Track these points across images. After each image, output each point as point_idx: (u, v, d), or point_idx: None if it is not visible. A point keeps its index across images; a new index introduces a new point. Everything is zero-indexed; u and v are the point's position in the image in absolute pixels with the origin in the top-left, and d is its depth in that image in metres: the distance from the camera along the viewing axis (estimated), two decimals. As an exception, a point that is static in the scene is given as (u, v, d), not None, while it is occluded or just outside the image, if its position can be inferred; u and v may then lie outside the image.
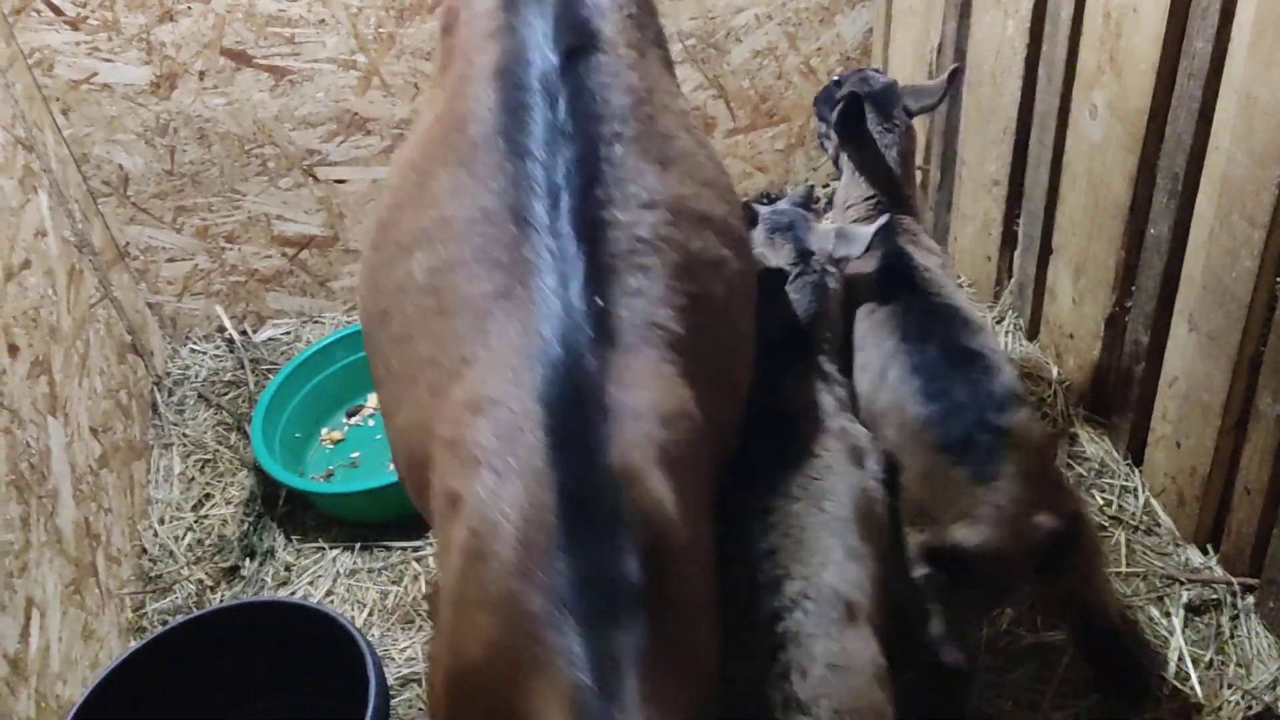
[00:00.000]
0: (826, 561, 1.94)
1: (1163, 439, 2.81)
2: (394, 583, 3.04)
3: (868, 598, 1.94)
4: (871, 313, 2.48)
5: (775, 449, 2.12)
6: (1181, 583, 2.68)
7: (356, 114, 3.62)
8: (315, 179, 3.70)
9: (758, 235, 2.53)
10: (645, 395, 1.61)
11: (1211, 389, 2.56)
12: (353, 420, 3.60)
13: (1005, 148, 3.23)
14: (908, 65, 3.69)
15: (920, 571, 2.19)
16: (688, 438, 1.64)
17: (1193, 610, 2.64)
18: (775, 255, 2.49)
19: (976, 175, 3.43)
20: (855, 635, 1.87)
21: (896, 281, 2.52)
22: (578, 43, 1.90)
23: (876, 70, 2.93)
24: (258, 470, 3.31)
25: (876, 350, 2.42)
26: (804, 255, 2.47)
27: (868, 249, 2.49)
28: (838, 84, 2.90)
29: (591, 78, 1.87)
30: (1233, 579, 2.65)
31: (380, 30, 3.49)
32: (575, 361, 1.57)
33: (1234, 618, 2.60)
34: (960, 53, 3.36)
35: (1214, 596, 2.65)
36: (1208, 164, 2.48)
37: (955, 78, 2.67)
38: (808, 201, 2.65)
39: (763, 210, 2.60)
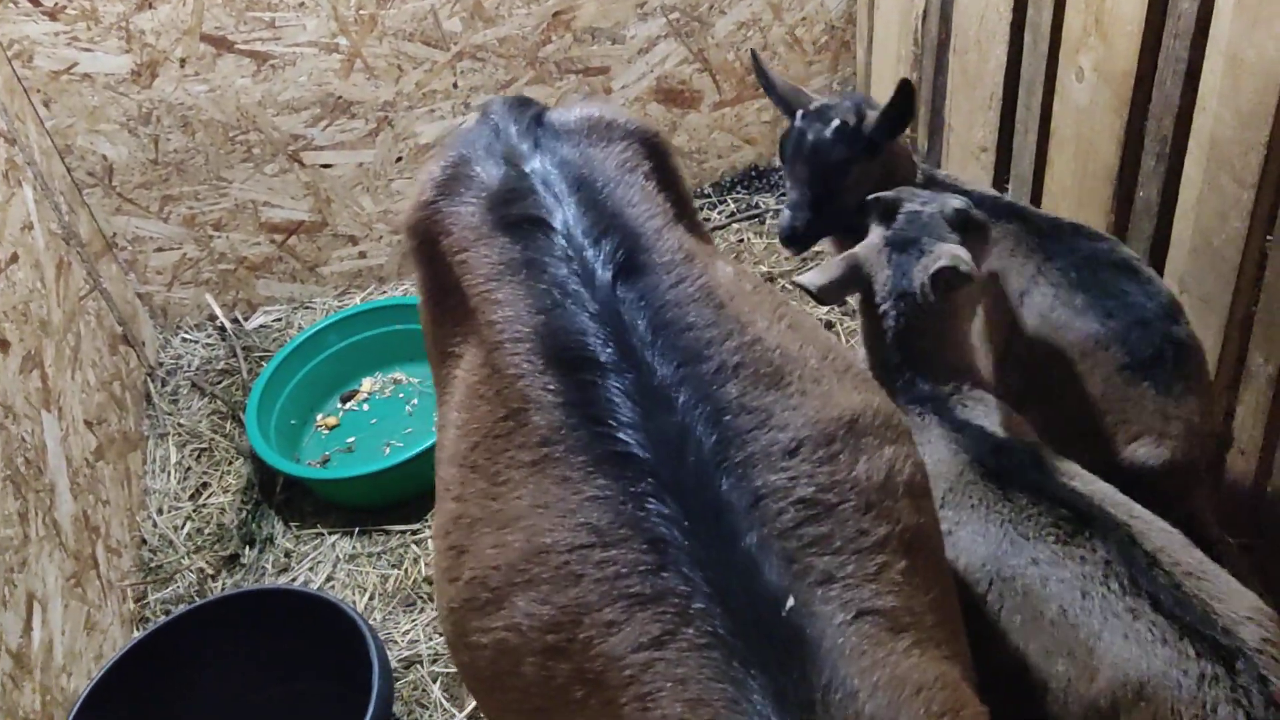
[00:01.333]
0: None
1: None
2: (394, 566, 3.06)
3: None
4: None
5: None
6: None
7: (340, 97, 3.59)
8: (301, 164, 3.68)
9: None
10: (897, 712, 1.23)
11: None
12: (347, 405, 3.60)
13: (992, 114, 3.22)
14: (892, 33, 3.67)
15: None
16: (951, 707, 1.30)
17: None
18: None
19: (964, 142, 3.42)
20: None
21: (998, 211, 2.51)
22: (625, 250, 1.52)
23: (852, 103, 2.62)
24: (254, 458, 3.31)
25: (1016, 276, 2.36)
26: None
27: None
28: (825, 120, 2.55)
29: (657, 298, 1.48)
30: (1230, 539, 2.67)
31: (361, 12, 3.46)
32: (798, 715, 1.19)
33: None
34: (945, 19, 3.34)
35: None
36: (1195, 126, 2.48)
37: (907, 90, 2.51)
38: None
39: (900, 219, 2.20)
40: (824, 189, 2.54)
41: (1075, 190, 2.93)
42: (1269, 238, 2.42)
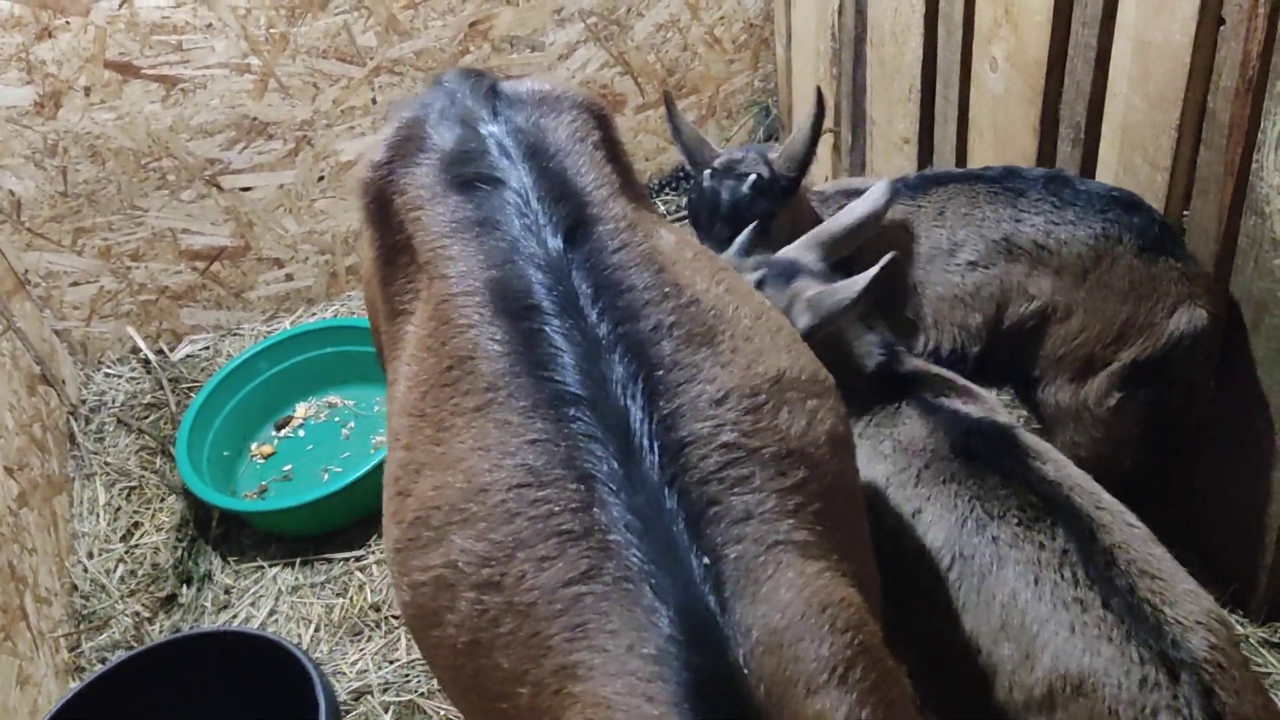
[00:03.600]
0: None
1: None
2: (339, 595, 3.00)
3: None
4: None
5: None
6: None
7: (256, 119, 3.51)
8: (219, 188, 3.59)
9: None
10: (805, 648, 1.30)
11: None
12: (282, 432, 3.52)
13: (912, 105, 3.25)
14: (810, 29, 3.69)
15: (1116, 396, 2.35)
16: (860, 638, 1.37)
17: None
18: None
19: (887, 134, 3.45)
20: None
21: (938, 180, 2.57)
22: (573, 216, 1.60)
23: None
24: (187, 493, 3.22)
25: (990, 228, 2.44)
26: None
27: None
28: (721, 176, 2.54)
29: (604, 259, 1.56)
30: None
31: (272, 31, 3.39)
32: (714, 653, 1.25)
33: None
34: (860, 13, 3.36)
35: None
36: (1107, 111, 2.52)
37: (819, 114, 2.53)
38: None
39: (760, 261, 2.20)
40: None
41: (996, 178, 2.97)
42: (1185, 212, 2.47)
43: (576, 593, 1.34)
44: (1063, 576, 1.70)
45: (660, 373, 1.46)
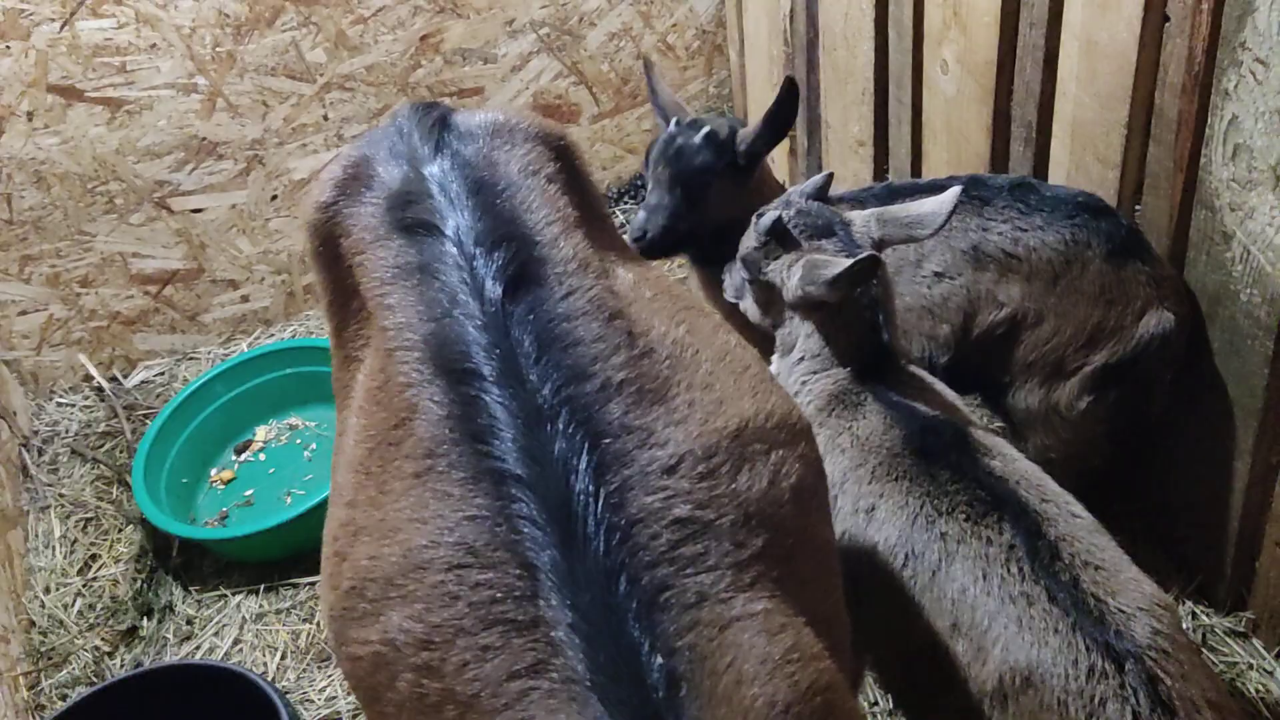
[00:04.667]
0: None
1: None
2: (305, 621, 2.95)
3: None
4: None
5: None
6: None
7: (205, 139, 3.46)
8: (169, 211, 3.53)
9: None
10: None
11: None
12: (242, 457, 3.46)
13: (866, 108, 3.26)
14: (762, 34, 3.69)
15: (1087, 399, 2.37)
16: (825, 697, 1.34)
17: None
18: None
19: (842, 137, 3.46)
20: None
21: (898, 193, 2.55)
22: (518, 261, 1.50)
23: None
24: (145, 523, 3.16)
25: (957, 238, 2.43)
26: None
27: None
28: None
29: (550, 309, 1.47)
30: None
31: (218, 49, 3.34)
32: None
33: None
34: (811, 18, 3.37)
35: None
36: (1057, 110, 2.54)
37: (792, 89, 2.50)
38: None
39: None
40: (683, 196, 2.52)
41: (951, 179, 2.99)
42: (1137, 208, 2.50)
43: (523, 688, 1.27)
44: (1009, 571, 1.72)
45: (607, 441, 1.38)
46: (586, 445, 1.36)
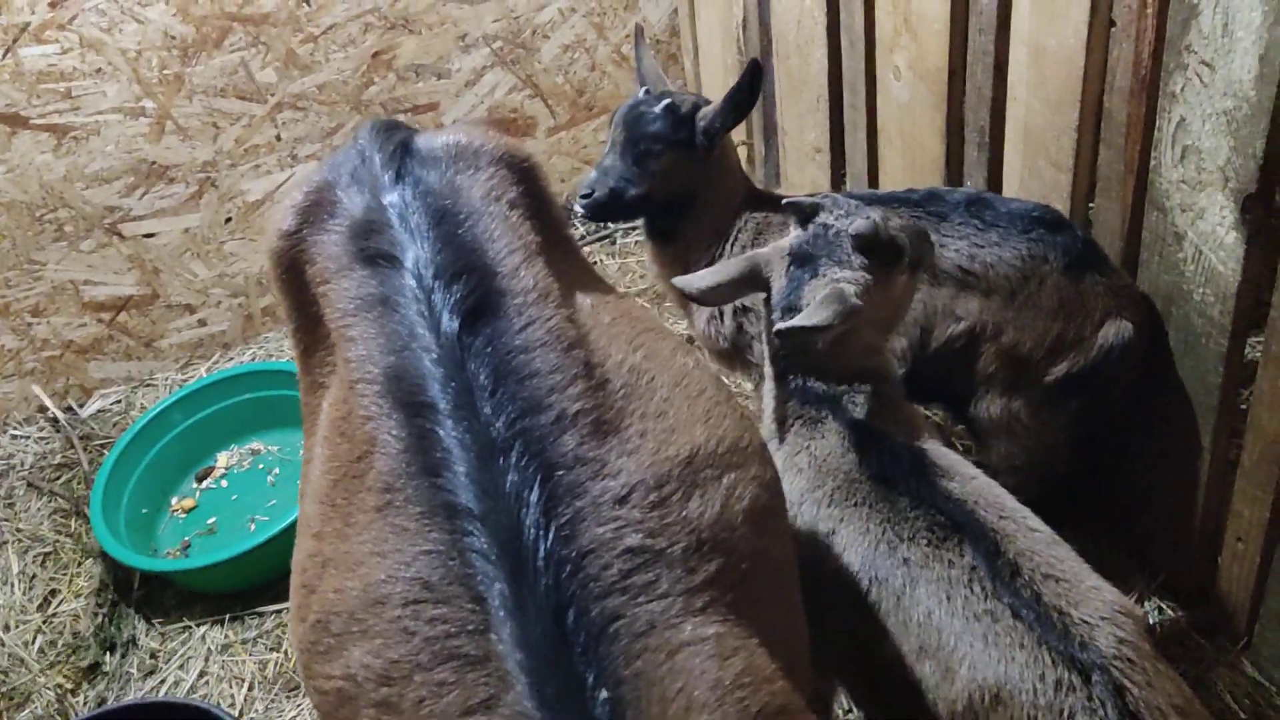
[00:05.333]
0: None
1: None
2: (272, 650, 2.90)
3: None
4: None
5: None
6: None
7: (154, 162, 3.41)
8: (121, 236, 3.47)
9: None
10: None
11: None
12: (204, 484, 3.41)
13: (821, 115, 3.27)
14: (716, 42, 3.70)
15: (1048, 409, 2.40)
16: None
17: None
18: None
19: (798, 144, 3.47)
20: None
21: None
22: (477, 293, 1.52)
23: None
24: (105, 555, 3.10)
25: None
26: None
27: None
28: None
29: (508, 341, 1.49)
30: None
31: (165, 72, 3.29)
32: None
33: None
34: (764, 26, 3.38)
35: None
36: (1009, 115, 2.56)
37: (756, 71, 2.53)
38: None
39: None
40: (634, 163, 2.53)
41: (908, 183, 3.00)
42: (1090, 205, 2.52)
43: None
44: (972, 591, 1.72)
45: (561, 473, 1.39)
46: (539, 478, 1.37)
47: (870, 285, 1.98)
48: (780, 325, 1.92)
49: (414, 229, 1.58)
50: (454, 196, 1.64)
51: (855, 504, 1.90)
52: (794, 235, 2.13)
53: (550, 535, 1.34)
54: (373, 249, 1.59)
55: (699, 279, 2.14)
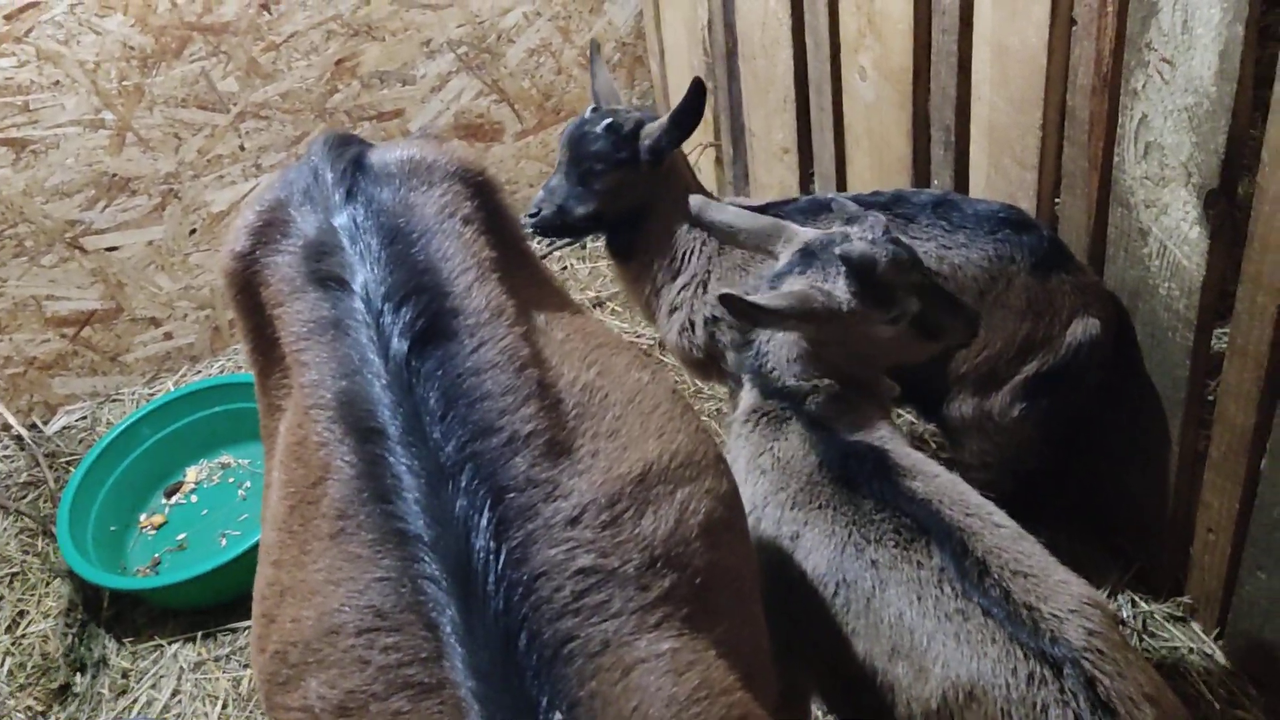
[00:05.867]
0: None
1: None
2: (246, 666, 2.87)
3: None
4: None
5: None
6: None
7: (115, 175, 3.36)
8: (83, 250, 3.42)
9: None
10: None
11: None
12: (173, 500, 3.37)
13: (789, 116, 3.27)
14: (682, 44, 3.69)
15: (1019, 407, 2.41)
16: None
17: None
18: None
19: (766, 145, 3.47)
20: None
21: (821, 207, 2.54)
22: (429, 314, 1.51)
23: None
24: (73, 575, 3.06)
25: None
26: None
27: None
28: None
29: (459, 363, 1.48)
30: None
31: (124, 83, 3.24)
32: None
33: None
34: (729, 27, 3.38)
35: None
36: (974, 114, 2.57)
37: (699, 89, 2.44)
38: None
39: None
40: (578, 182, 2.53)
41: (875, 183, 3.01)
42: (1056, 200, 2.53)
43: None
44: (943, 591, 1.73)
45: (512, 495, 1.39)
46: (489, 501, 1.37)
47: (843, 311, 1.96)
48: (724, 290, 1.91)
49: (365, 250, 1.57)
50: (407, 214, 1.63)
51: (819, 506, 1.90)
52: (819, 232, 2.12)
53: (501, 559, 1.33)
54: (324, 271, 1.58)
55: (718, 210, 2.18)
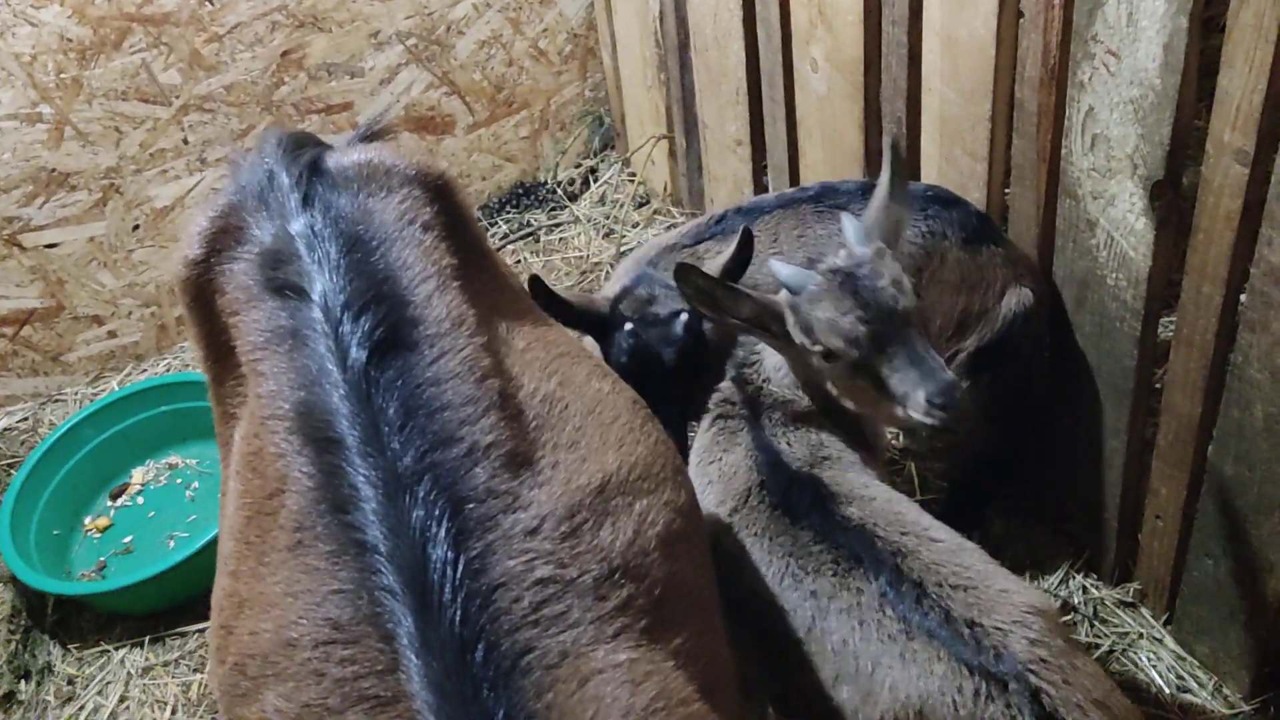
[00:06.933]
0: None
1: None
2: (196, 671, 2.82)
3: None
4: None
5: None
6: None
7: (54, 170, 3.27)
8: (21, 247, 3.33)
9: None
10: None
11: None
12: (119, 502, 3.29)
13: (741, 108, 3.26)
14: (634, 36, 3.67)
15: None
16: None
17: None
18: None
19: (720, 137, 3.46)
20: None
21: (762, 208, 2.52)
22: (388, 324, 1.49)
23: None
24: (16, 580, 2.98)
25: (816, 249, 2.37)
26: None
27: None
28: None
29: (419, 374, 1.47)
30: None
31: (62, 76, 3.16)
32: None
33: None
34: (681, 19, 3.36)
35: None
36: (925, 105, 2.58)
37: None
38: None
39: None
40: (694, 377, 2.27)
41: (828, 174, 3.01)
42: (1007, 190, 2.55)
43: None
44: (885, 614, 1.73)
45: (471, 506, 1.38)
46: (448, 512, 1.36)
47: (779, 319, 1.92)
48: (688, 259, 1.89)
49: (323, 258, 1.55)
50: (366, 221, 1.61)
51: (755, 535, 1.90)
52: (844, 258, 1.90)
53: (459, 569, 1.33)
54: (282, 280, 1.55)
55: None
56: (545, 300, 2.19)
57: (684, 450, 2.21)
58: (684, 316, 2.24)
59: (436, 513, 1.35)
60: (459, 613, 1.29)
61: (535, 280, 2.21)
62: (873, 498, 1.88)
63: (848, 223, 1.97)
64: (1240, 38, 1.84)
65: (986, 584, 1.71)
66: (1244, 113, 1.88)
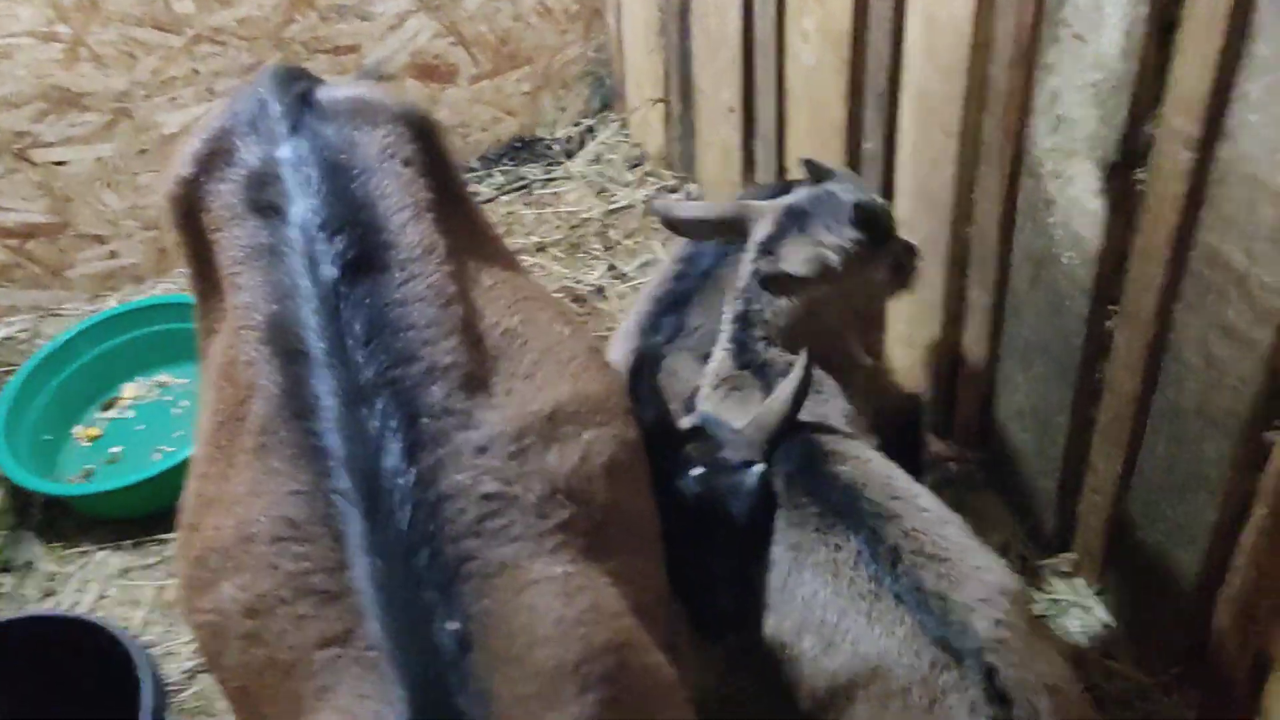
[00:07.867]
0: None
1: (898, 338, 3.03)
2: (171, 575, 2.94)
3: None
4: None
5: None
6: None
7: (67, 89, 3.37)
8: (30, 162, 3.44)
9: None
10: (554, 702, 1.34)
11: (932, 287, 2.78)
12: (109, 414, 3.41)
13: (735, 75, 3.35)
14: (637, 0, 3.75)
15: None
16: (618, 657, 1.43)
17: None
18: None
19: (713, 103, 3.55)
20: None
21: None
22: (361, 245, 1.57)
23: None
24: (4, 480, 3.10)
25: None
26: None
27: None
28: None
29: (387, 294, 1.55)
30: (967, 455, 2.93)
31: (80, -3, 3.25)
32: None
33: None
34: (685, -15, 3.44)
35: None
36: (905, 81, 2.66)
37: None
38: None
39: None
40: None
41: (811, 146, 3.09)
42: (977, 170, 2.63)
43: (332, 655, 1.36)
44: (858, 573, 1.79)
45: (425, 420, 1.46)
46: (404, 425, 1.45)
47: (852, 257, 2.08)
48: (764, 269, 1.99)
49: (305, 182, 1.63)
50: (350, 151, 1.68)
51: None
52: (796, 192, 2.20)
53: (410, 479, 1.41)
54: (264, 200, 1.63)
55: (683, 208, 2.21)
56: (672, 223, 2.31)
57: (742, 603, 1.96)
58: (756, 465, 1.97)
59: (393, 424, 1.44)
60: (407, 519, 1.39)
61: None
62: (868, 459, 1.96)
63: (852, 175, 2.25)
64: (1193, 28, 1.93)
65: (963, 558, 1.78)
66: (1192, 99, 1.97)
